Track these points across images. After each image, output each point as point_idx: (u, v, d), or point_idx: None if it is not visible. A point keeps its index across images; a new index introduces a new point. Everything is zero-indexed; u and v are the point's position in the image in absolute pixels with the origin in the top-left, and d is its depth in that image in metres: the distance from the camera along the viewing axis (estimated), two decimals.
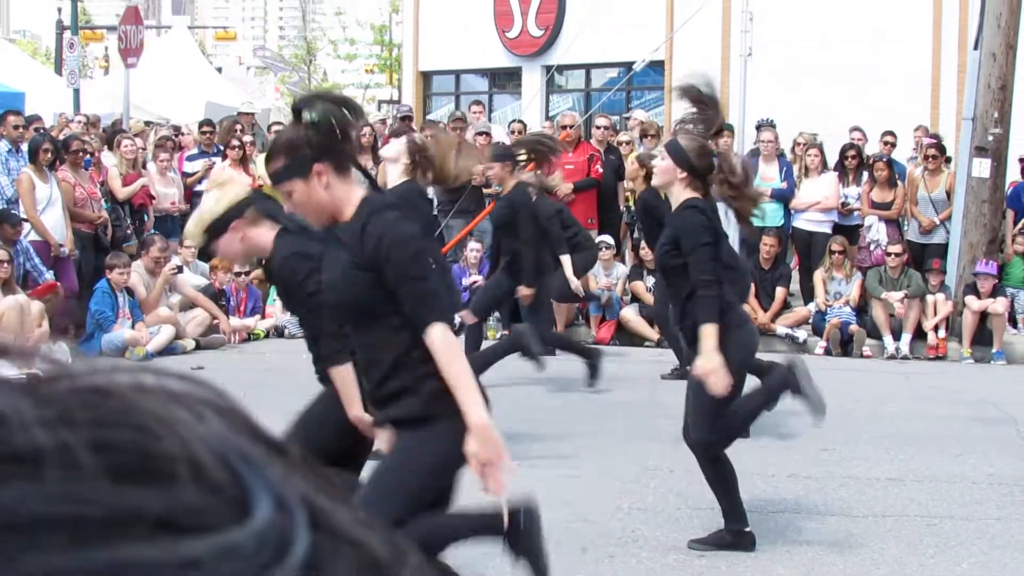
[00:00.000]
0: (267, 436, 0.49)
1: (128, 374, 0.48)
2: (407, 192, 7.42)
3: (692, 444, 5.60)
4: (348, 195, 3.73)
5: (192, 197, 13.89)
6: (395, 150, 8.26)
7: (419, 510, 3.90)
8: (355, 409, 4.34)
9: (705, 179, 5.59)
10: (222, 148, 14.20)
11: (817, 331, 12.33)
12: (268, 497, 0.45)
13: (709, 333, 5.32)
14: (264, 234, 4.58)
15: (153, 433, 0.45)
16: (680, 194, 5.60)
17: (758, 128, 14.24)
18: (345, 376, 4.37)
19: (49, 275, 11.14)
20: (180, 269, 11.79)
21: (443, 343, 3.64)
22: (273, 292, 12.79)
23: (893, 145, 14.20)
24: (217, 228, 4.60)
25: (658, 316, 10.75)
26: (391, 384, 3.78)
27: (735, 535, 5.62)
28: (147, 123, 17.37)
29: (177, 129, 16.04)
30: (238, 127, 15.21)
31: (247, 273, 12.57)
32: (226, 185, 4.89)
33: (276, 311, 12.64)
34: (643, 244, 12.58)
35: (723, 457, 5.61)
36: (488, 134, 14.28)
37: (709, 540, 5.66)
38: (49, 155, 11.52)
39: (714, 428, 5.51)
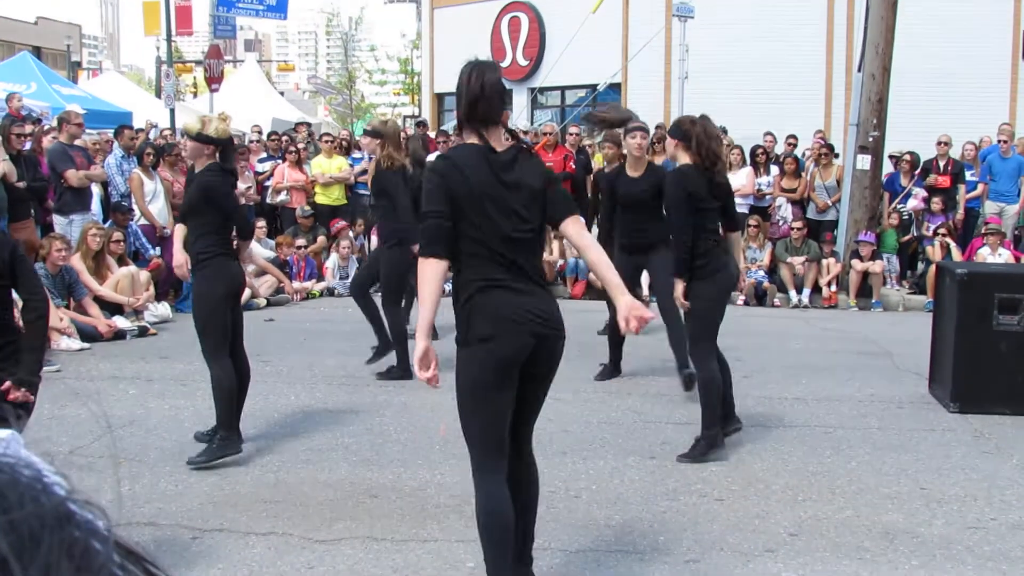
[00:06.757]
0: None
1: None
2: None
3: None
4: None
5: (262, 191, 13.76)
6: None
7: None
8: None
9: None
10: (283, 153, 14.04)
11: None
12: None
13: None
14: None
15: None
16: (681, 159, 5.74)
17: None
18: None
19: (155, 251, 11.03)
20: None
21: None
22: (327, 261, 12.71)
23: (794, 145, 14.14)
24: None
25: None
26: None
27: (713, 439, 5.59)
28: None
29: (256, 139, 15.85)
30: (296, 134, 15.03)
31: (306, 247, 12.47)
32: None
33: (328, 276, 12.56)
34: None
35: None
36: None
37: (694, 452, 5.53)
38: (151, 157, 11.38)
39: None
